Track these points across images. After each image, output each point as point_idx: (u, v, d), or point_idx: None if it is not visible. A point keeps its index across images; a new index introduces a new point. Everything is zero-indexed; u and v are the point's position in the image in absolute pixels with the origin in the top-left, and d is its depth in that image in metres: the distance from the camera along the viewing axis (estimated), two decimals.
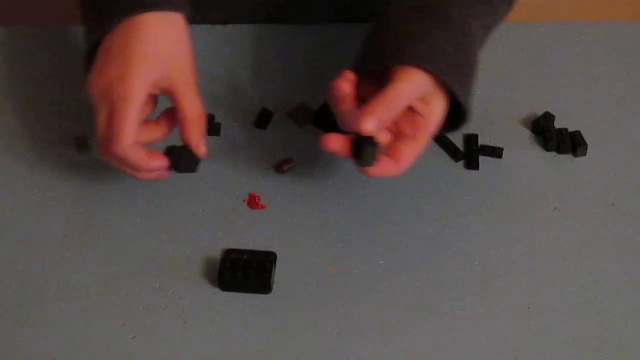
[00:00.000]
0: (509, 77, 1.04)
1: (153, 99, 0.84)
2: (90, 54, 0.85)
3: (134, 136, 0.80)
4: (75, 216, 0.90)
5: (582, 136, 0.96)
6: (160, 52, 0.82)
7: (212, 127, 0.97)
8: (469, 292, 0.85)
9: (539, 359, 0.81)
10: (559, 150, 0.95)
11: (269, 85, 1.01)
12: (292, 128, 0.97)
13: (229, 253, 0.85)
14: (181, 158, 0.83)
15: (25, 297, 0.84)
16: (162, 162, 0.83)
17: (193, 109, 0.83)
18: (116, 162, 0.82)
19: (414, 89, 0.81)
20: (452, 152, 0.95)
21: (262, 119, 0.98)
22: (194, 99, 0.83)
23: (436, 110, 0.83)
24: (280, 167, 0.93)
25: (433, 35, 0.82)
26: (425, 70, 0.81)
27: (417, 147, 0.83)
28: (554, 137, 0.96)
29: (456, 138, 0.96)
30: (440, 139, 0.96)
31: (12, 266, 0.86)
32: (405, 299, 0.85)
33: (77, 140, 0.95)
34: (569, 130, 0.97)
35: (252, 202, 0.91)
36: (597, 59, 1.05)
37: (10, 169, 0.94)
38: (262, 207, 0.91)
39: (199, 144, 0.84)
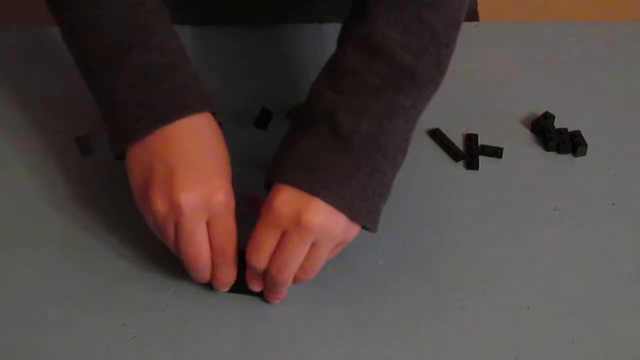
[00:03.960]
0: (509, 77, 1.04)
1: None
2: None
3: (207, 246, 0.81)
4: (76, 216, 0.90)
5: (582, 136, 0.96)
6: (228, 163, 0.83)
7: None
8: (469, 292, 0.85)
9: (539, 359, 0.81)
10: (559, 150, 0.95)
11: (269, 85, 1.01)
12: None
13: None
14: None
15: (25, 297, 0.84)
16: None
17: (226, 249, 0.83)
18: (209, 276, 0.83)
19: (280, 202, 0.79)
20: (452, 152, 0.95)
21: (262, 119, 0.98)
22: (227, 233, 0.83)
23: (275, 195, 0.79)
24: None
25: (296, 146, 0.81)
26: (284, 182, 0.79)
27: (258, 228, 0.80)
28: (554, 137, 0.96)
29: (456, 138, 0.96)
30: (441, 139, 0.96)
31: (13, 266, 0.86)
32: (405, 299, 0.85)
33: (78, 141, 0.95)
34: (569, 130, 0.97)
35: (252, 202, 0.91)
36: (597, 59, 1.05)
37: (10, 169, 0.94)
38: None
39: (231, 279, 0.84)
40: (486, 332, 0.83)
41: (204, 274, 0.82)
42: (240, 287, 0.84)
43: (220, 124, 0.85)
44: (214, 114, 0.84)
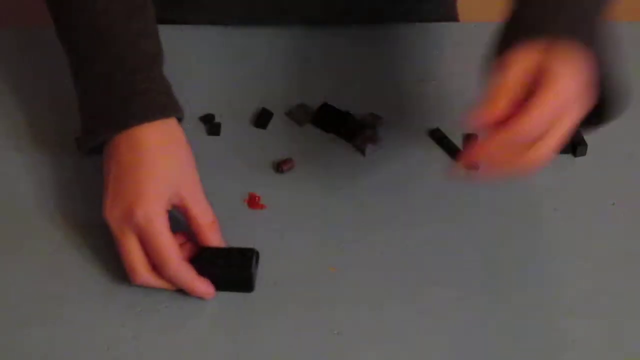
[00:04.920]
0: None
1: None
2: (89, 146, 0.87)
3: (180, 254, 0.82)
4: (75, 216, 0.90)
5: (582, 136, 0.96)
6: (168, 173, 0.84)
7: (212, 127, 0.97)
8: (469, 292, 0.85)
9: (539, 358, 0.81)
10: (559, 150, 0.95)
11: (269, 85, 1.01)
12: (292, 128, 0.97)
13: (204, 251, 0.85)
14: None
15: (25, 297, 0.84)
16: (208, 286, 0.84)
17: (206, 217, 0.85)
18: (159, 284, 0.83)
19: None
20: (452, 152, 0.95)
21: (262, 119, 0.98)
22: (205, 207, 0.85)
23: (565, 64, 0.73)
24: (280, 167, 0.93)
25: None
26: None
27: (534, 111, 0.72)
28: None
29: (456, 138, 0.96)
30: (441, 139, 0.96)
31: (13, 266, 0.86)
32: (405, 298, 0.85)
33: (78, 141, 0.95)
34: None
35: (252, 202, 0.91)
36: None
37: (9, 169, 0.94)
38: (262, 207, 0.91)
39: (221, 244, 0.85)
40: (486, 332, 0.83)
41: (146, 284, 0.83)
42: (227, 284, 0.84)
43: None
44: (179, 118, 0.87)
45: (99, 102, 0.86)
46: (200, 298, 0.83)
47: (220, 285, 0.84)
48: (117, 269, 0.86)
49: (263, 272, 0.85)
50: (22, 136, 0.96)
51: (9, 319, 0.83)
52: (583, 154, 0.95)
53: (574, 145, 0.95)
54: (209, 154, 0.94)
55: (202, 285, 0.83)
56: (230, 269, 0.83)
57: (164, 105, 0.86)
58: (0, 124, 0.97)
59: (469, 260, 0.87)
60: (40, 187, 0.92)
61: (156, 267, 0.82)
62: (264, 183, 0.92)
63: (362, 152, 0.95)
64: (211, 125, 0.97)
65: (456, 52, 1.05)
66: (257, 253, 0.85)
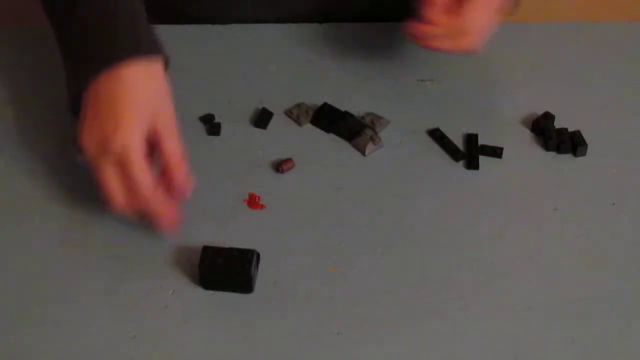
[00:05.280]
0: (509, 77, 1.04)
1: None
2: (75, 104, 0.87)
3: (153, 179, 0.84)
4: (75, 216, 0.90)
5: (582, 136, 0.96)
6: (145, 103, 0.84)
7: (212, 127, 0.97)
8: (469, 292, 0.85)
9: (539, 359, 0.81)
10: (559, 150, 0.95)
11: (269, 85, 1.01)
12: (292, 128, 0.97)
13: (206, 250, 0.85)
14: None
15: (25, 297, 0.84)
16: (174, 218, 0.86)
17: (177, 153, 0.85)
18: (135, 212, 0.85)
19: None
20: (452, 152, 0.95)
21: (262, 119, 0.98)
22: (177, 144, 0.86)
23: None
24: (280, 167, 0.93)
25: None
26: None
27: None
28: (554, 137, 0.96)
29: (456, 138, 0.96)
30: (441, 139, 0.96)
31: (12, 266, 0.86)
32: (405, 298, 0.85)
33: (77, 141, 0.95)
34: (569, 130, 0.97)
35: (252, 202, 0.91)
36: (597, 59, 1.05)
37: (9, 169, 0.94)
38: (262, 207, 0.91)
39: (186, 182, 0.86)
40: (486, 332, 0.83)
41: (131, 214, 0.85)
42: (227, 284, 0.84)
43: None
44: (166, 59, 0.87)
45: (83, 47, 0.86)
46: (166, 233, 0.86)
47: (220, 285, 0.84)
48: (117, 268, 0.86)
49: (263, 272, 0.85)
50: (21, 136, 0.96)
51: (9, 319, 0.83)
52: (583, 154, 0.95)
53: (574, 145, 0.95)
54: (209, 154, 0.94)
55: (170, 216, 0.85)
56: (231, 269, 0.83)
57: (148, 44, 0.87)
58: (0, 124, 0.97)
59: (469, 260, 0.87)
60: (40, 187, 0.92)
61: (131, 195, 0.83)
62: (264, 183, 0.92)
63: (362, 152, 0.95)
64: (211, 125, 0.97)
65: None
66: (258, 254, 0.85)
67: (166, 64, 0.88)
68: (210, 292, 0.85)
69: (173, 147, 0.85)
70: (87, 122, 0.84)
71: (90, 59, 0.85)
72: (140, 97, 0.84)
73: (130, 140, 0.82)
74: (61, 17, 0.88)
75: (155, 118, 0.84)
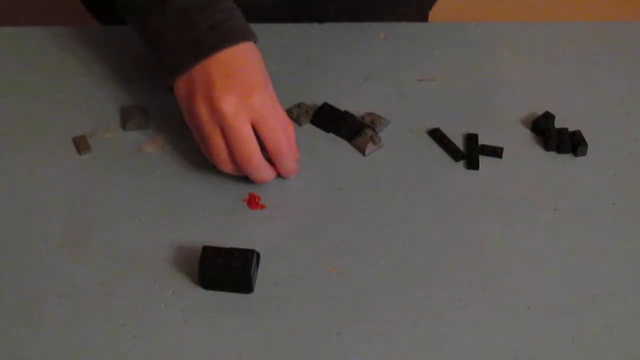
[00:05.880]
0: (509, 77, 1.04)
1: None
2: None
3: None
4: (75, 216, 0.90)
5: (582, 136, 0.96)
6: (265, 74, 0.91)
7: None
8: (469, 292, 0.85)
9: (539, 359, 0.81)
10: (559, 150, 0.95)
11: None
12: None
13: (206, 250, 0.85)
14: None
15: (25, 297, 0.84)
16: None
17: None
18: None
19: None
20: (452, 152, 0.95)
21: None
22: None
23: None
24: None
25: None
26: None
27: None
28: (554, 137, 0.96)
29: (456, 138, 0.96)
30: (441, 139, 0.96)
31: (12, 266, 0.86)
32: (405, 299, 0.85)
33: (76, 140, 0.95)
34: (569, 130, 0.97)
35: (252, 202, 0.91)
36: (597, 59, 1.05)
37: (9, 169, 0.94)
38: (262, 207, 0.91)
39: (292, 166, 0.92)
40: (486, 332, 0.83)
41: (263, 174, 0.90)
42: (227, 284, 0.84)
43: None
44: (255, 42, 0.92)
45: (179, 38, 0.89)
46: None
47: (220, 285, 0.84)
48: (117, 268, 0.86)
49: (263, 272, 0.85)
50: (21, 136, 0.96)
51: (9, 319, 0.83)
52: (583, 154, 0.95)
53: (574, 145, 0.95)
54: None
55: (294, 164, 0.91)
56: (230, 269, 0.83)
57: (243, 30, 0.90)
58: None
59: (469, 260, 0.87)
60: (40, 186, 0.92)
61: (270, 149, 0.89)
62: (264, 183, 0.92)
63: (362, 152, 0.95)
64: None
65: (456, 52, 1.05)
66: (258, 254, 0.85)
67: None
68: (210, 292, 0.85)
69: (270, 134, 0.89)
70: (220, 86, 0.87)
71: (193, 46, 0.89)
72: (263, 68, 0.90)
73: (269, 98, 0.89)
74: (150, 9, 0.91)
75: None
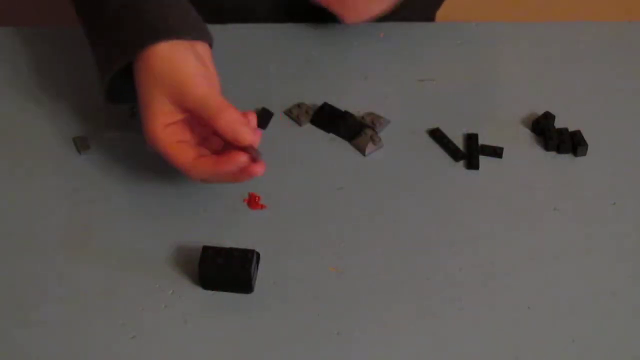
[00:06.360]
0: (509, 77, 1.04)
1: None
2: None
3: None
4: (75, 216, 0.90)
5: (582, 136, 0.96)
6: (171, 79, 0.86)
7: None
8: (469, 292, 0.85)
9: (539, 359, 0.81)
10: (559, 150, 0.95)
11: (269, 85, 1.01)
12: (292, 128, 0.97)
13: (206, 250, 0.85)
14: None
15: (25, 297, 0.84)
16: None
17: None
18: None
19: None
20: (452, 152, 0.95)
21: (262, 119, 0.98)
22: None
23: None
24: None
25: None
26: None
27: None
28: (554, 137, 0.96)
29: (456, 138, 0.96)
30: (441, 139, 0.96)
31: (12, 266, 0.86)
32: (405, 299, 0.85)
33: (77, 140, 0.95)
34: (569, 130, 0.97)
35: (252, 202, 0.91)
36: (597, 59, 1.05)
37: (9, 169, 0.94)
38: (262, 207, 0.91)
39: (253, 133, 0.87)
40: (486, 332, 0.83)
41: (229, 168, 0.85)
42: (227, 284, 0.84)
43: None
44: (210, 41, 0.90)
45: (116, 34, 0.88)
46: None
47: (220, 285, 0.84)
48: (117, 268, 0.86)
49: (263, 272, 0.85)
50: (21, 136, 0.96)
51: (9, 319, 0.83)
52: (583, 154, 0.95)
53: (574, 145, 0.95)
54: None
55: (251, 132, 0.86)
56: (230, 269, 0.83)
57: (192, 25, 0.89)
58: None
59: (469, 260, 0.87)
60: (40, 187, 0.92)
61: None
62: (264, 183, 0.92)
63: (362, 152, 0.95)
64: None
65: (456, 52, 1.05)
66: (258, 254, 0.85)
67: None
68: (210, 292, 0.85)
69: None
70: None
71: (139, 35, 0.87)
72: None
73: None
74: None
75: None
